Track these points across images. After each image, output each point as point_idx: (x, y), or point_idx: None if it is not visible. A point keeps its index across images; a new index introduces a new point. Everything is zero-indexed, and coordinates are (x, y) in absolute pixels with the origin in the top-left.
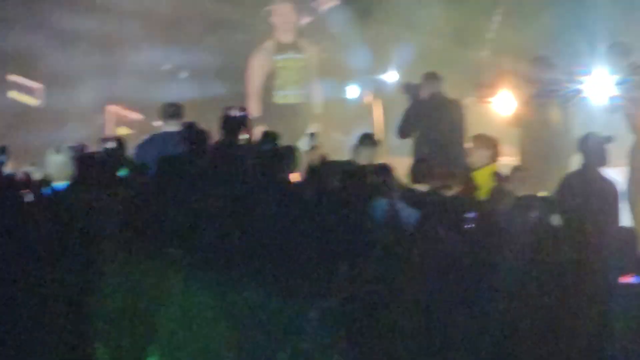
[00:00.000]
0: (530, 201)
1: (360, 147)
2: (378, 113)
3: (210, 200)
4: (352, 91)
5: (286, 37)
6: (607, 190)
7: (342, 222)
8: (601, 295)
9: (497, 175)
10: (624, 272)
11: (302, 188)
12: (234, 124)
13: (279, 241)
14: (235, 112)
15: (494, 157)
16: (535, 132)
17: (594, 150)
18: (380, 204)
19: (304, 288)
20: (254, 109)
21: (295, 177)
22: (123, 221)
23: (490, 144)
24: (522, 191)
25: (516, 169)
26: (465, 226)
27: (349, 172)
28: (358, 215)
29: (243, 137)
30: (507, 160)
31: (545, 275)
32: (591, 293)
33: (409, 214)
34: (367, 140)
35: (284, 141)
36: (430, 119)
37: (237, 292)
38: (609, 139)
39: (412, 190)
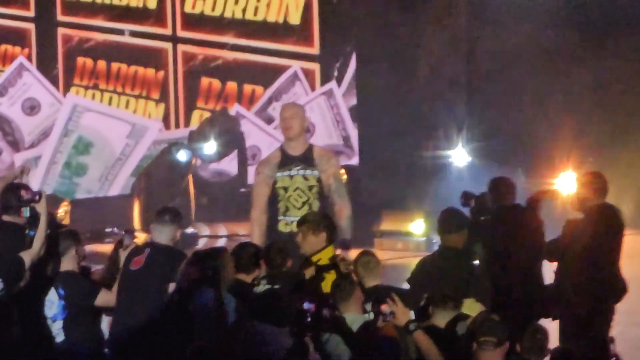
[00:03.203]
0: (381, 293)
1: (155, 225)
2: None
3: None
4: None
5: (293, 148)
6: None
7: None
8: None
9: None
10: None
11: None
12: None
13: None
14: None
15: (329, 239)
16: None
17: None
18: (207, 295)
19: None
20: (255, 237)
21: None
22: None
23: (319, 224)
24: (372, 281)
25: (363, 253)
26: (305, 320)
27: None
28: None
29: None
30: None
31: None
32: None
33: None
34: (162, 216)
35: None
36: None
37: None
38: None
39: (239, 281)
